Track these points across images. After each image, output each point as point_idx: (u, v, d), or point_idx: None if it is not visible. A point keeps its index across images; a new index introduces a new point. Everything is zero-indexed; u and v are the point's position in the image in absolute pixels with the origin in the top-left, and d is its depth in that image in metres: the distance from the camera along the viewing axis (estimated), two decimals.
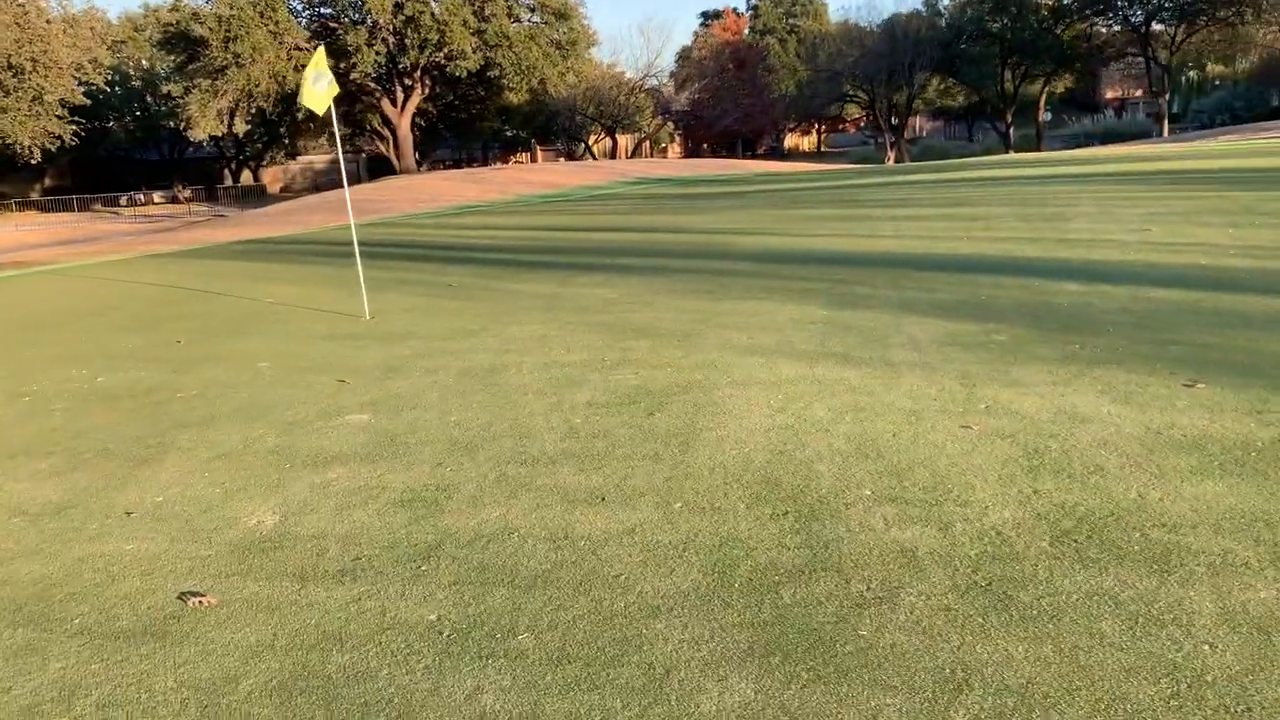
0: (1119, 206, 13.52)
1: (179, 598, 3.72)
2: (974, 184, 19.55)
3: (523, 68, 42.22)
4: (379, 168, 65.16)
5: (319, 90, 8.84)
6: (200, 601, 3.64)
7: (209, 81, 41.60)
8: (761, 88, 70.55)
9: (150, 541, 4.26)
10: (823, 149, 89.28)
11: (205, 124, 44.37)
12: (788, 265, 10.83)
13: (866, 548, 3.76)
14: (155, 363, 8.00)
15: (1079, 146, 56.58)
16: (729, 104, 72.39)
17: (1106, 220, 12.23)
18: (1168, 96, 53.14)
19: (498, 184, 33.59)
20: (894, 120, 61.31)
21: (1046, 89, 63.38)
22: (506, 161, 76.52)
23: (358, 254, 9.81)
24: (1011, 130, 60.78)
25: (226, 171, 69.78)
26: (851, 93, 62.65)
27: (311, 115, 49.80)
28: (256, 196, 61.61)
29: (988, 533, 3.83)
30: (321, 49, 9.36)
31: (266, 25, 40.00)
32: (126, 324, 10.17)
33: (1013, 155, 37.84)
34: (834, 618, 3.28)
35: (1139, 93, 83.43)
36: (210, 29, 38.79)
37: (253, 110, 49.38)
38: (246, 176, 69.83)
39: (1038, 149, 58.64)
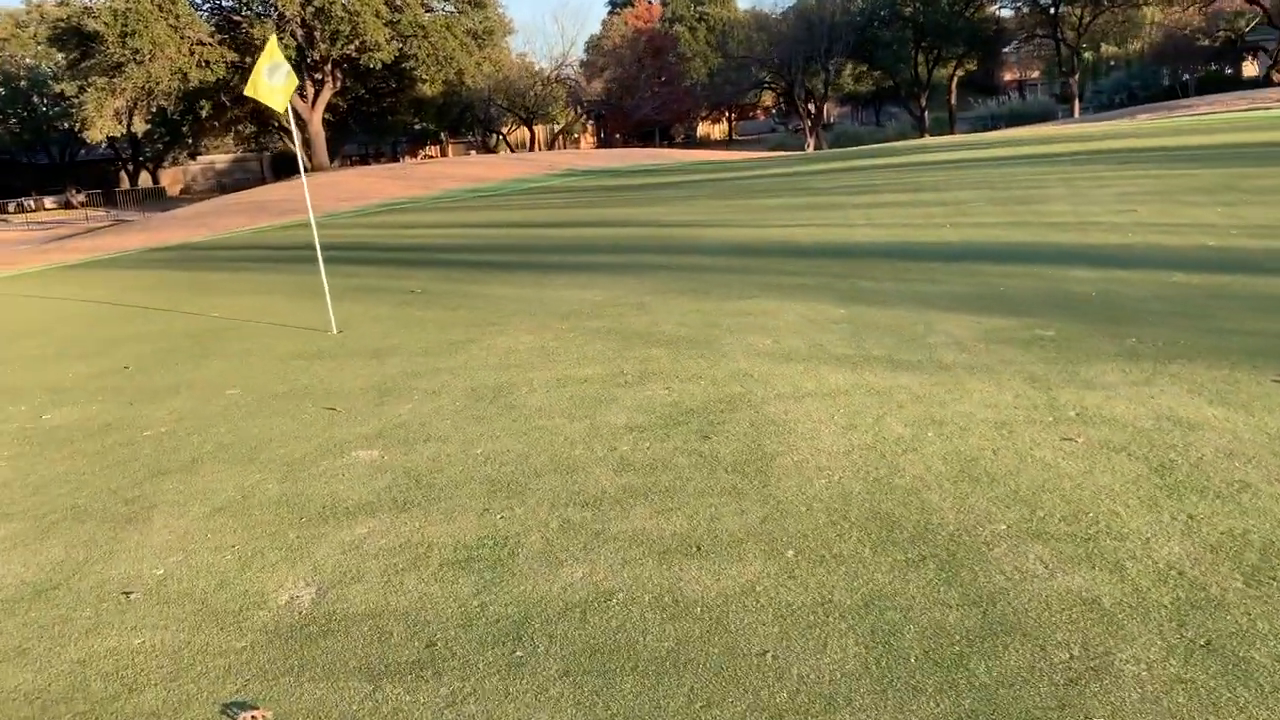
0: (1090, 187, 13.34)
1: (224, 713, 3.00)
2: (926, 168, 19.35)
3: (439, 59, 40.97)
4: (285, 166, 62.93)
5: (276, 84, 7.98)
6: (254, 718, 2.93)
7: (105, 79, 39.44)
8: (676, 76, 70.20)
9: (165, 631, 3.51)
10: (734, 137, 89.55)
11: (102, 124, 42.16)
12: (772, 259, 10.31)
13: (1041, 601, 3.23)
14: (107, 394, 7.10)
15: (988, 129, 57.45)
16: (646, 93, 71.82)
17: (1084, 202, 12.00)
18: (1077, 77, 54.22)
19: (421, 179, 32.45)
20: (810, 107, 61.45)
21: (958, 72, 64.30)
22: (415, 156, 74.73)
23: (321, 260, 8.97)
24: (926, 114, 61.47)
25: (123, 174, 66.64)
26: (769, 80, 62.62)
27: (215, 114, 47.83)
28: (156, 199, 58.89)
29: (1168, 574, 3.33)
30: (273, 38, 8.48)
31: (166, 19, 38.02)
32: (63, 349, 9.15)
33: (939, 139, 38.09)
34: (1053, 701, 2.73)
35: (1035, 75, 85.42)
36: (105, 24, 36.69)
37: (153, 109, 47.17)
38: (145, 178, 66.78)
39: (951, 132, 59.51)
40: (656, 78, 71.19)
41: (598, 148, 70.90)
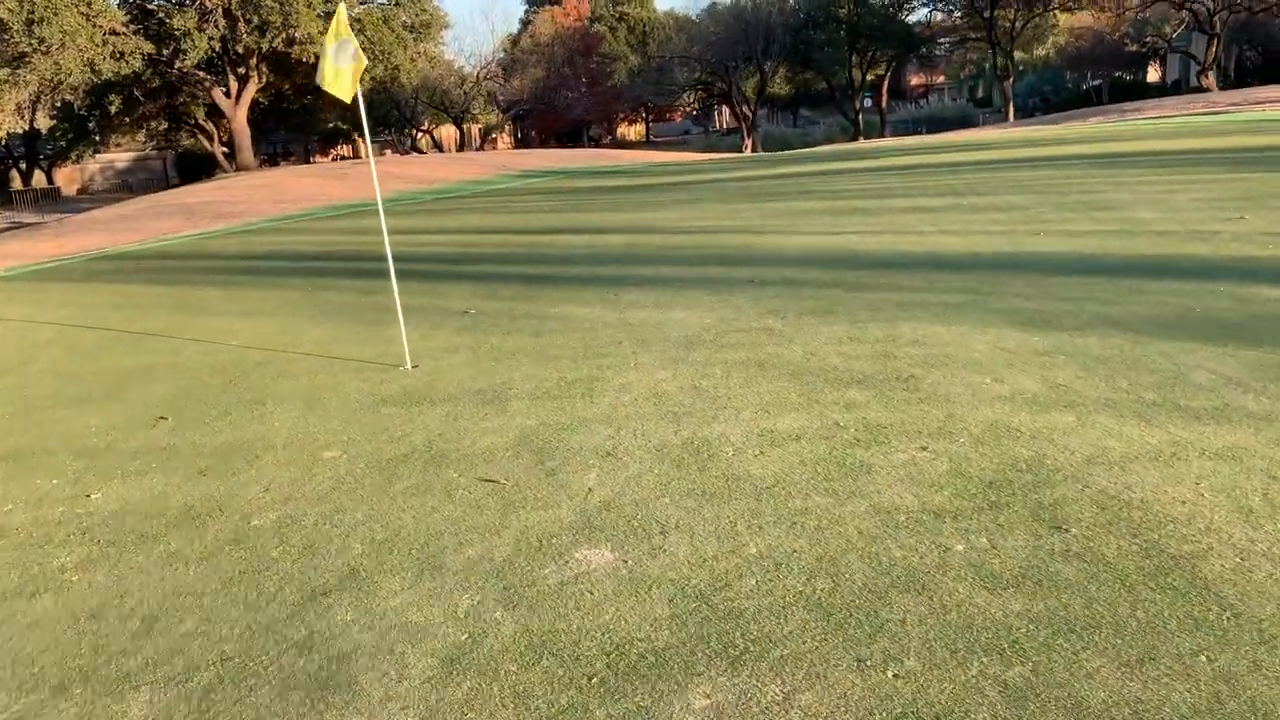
0: (1156, 192, 12.53)
1: None
2: (932, 171, 18.47)
3: (375, 53, 38.80)
4: (192, 165, 59.54)
5: (342, 66, 6.51)
6: None
7: (8, 70, 36.30)
8: (601, 76, 69.06)
9: None
10: (651, 138, 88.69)
11: (3, 119, 38.90)
12: (873, 272, 9.15)
13: None
14: (159, 458, 5.54)
15: (911, 133, 57.59)
16: (574, 92, 70.41)
17: (1169, 209, 11.14)
18: (1011, 81, 54.68)
19: (366, 180, 30.47)
20: (745, 109, 60.82)
21: (889, 74, 64.53)
22: (327, 156, 71.78)
23: (393, 273, 7.44)
24: (860, 117, 61.40)
25: (14, 172, 62.20)
26: (708, 80, 61.80)
27: (126, 109, 44.70)
28: (52, 200, 54.98)
29: None
30: (342, 6, 6.95)
31: (77, 6, 35.13)
32: (57, 389, 7.46)
33: (897, 142, 37.60)
34: None
35: (940, 79, 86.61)
36: (9, 10, 33.67)
37: (58, 103, 43.94)
38: (39, 178, 62.48)
39: (882, 135, 59.56)
40: (585, 77, 69.85)
41: (515, 148, 68.89)
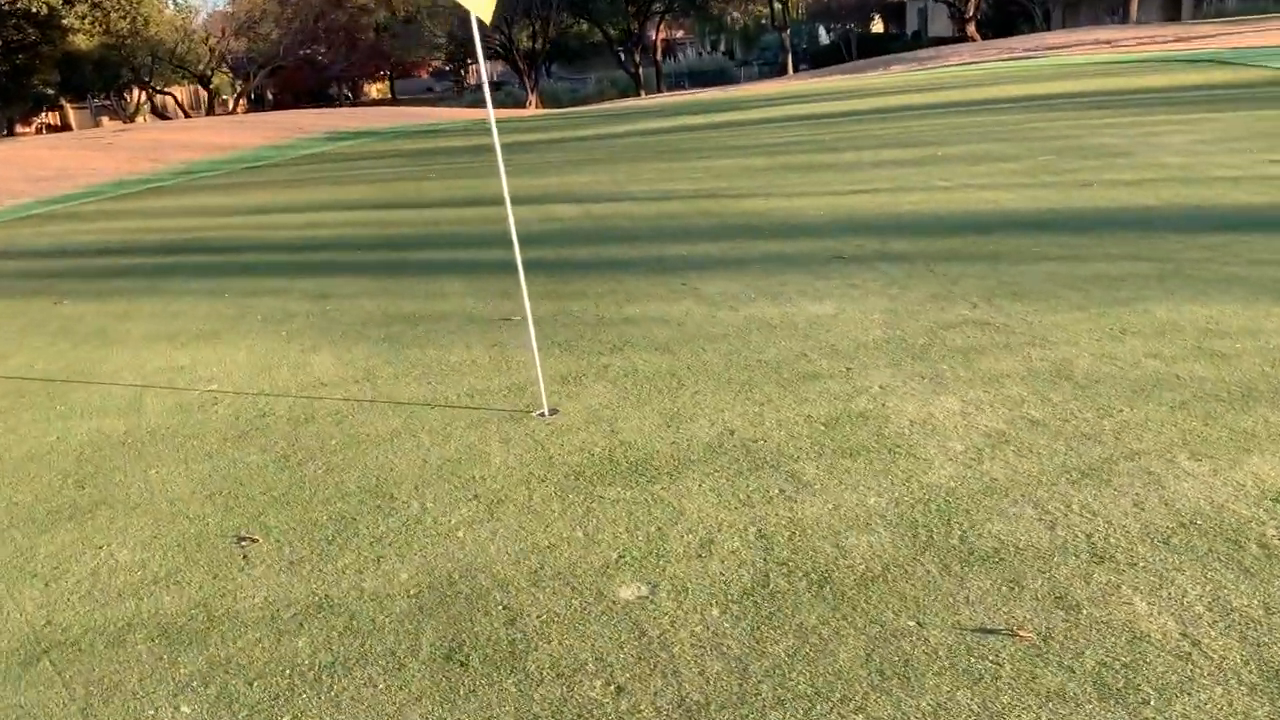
0: (1144, 134, 11.84)
1: None
2: (851, 119, 17.35)
3: (123, 4, 33.36)
4: None
5: None
6: None
7: None
8: (359, 29, 64.31)
9: None
10: (395, 96, 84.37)
11: None
12: (961, 237, 7.67)
13: None
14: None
15: (677, 88, 57.01)
16: (326, 46, 65.13)
17: (1189, 153, 10.36)
18: (789, 33, 55.23)
19: (140, 150, 25.92)
20: (524, 64, 58.29)
21: (659, 27, 63.82)
22: (29, 124, 62.45)
23: (520, 264, 5.08)
24: (640, 71, 60.36)
25: None
26: (486, 35, 58.59)
27: None
28: None
29: None
30: None
31: None
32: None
33: (751, 91, 36.46)
34: None
35: (680, 34, 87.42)
36: None
37: None
38: None
39: (659, 89, 58.85)
40: (341, 31, 64.68)
41: (249, 111, 62.46)
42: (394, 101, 74.07)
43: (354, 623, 3.19)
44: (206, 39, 55.32)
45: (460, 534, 3.73)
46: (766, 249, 8.08)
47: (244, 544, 3.80)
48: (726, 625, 2.99)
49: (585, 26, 62.51)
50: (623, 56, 61.48)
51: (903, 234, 8.10)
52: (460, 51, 69.44)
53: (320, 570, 3.55)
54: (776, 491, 3.83)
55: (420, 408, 5.13)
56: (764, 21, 77.12)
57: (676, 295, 6.90)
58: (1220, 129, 11.83)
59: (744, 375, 5.16)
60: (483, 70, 4.89)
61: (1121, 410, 4.27)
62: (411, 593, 3.35)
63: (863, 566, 3.24)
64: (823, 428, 4.39)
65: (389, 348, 6.31)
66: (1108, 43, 31.55)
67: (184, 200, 16.33)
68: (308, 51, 65.65)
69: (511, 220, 4.93)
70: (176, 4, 40.10)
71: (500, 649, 2.98)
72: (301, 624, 3.21)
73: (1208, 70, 19.15)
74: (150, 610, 3.38)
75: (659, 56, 63.28)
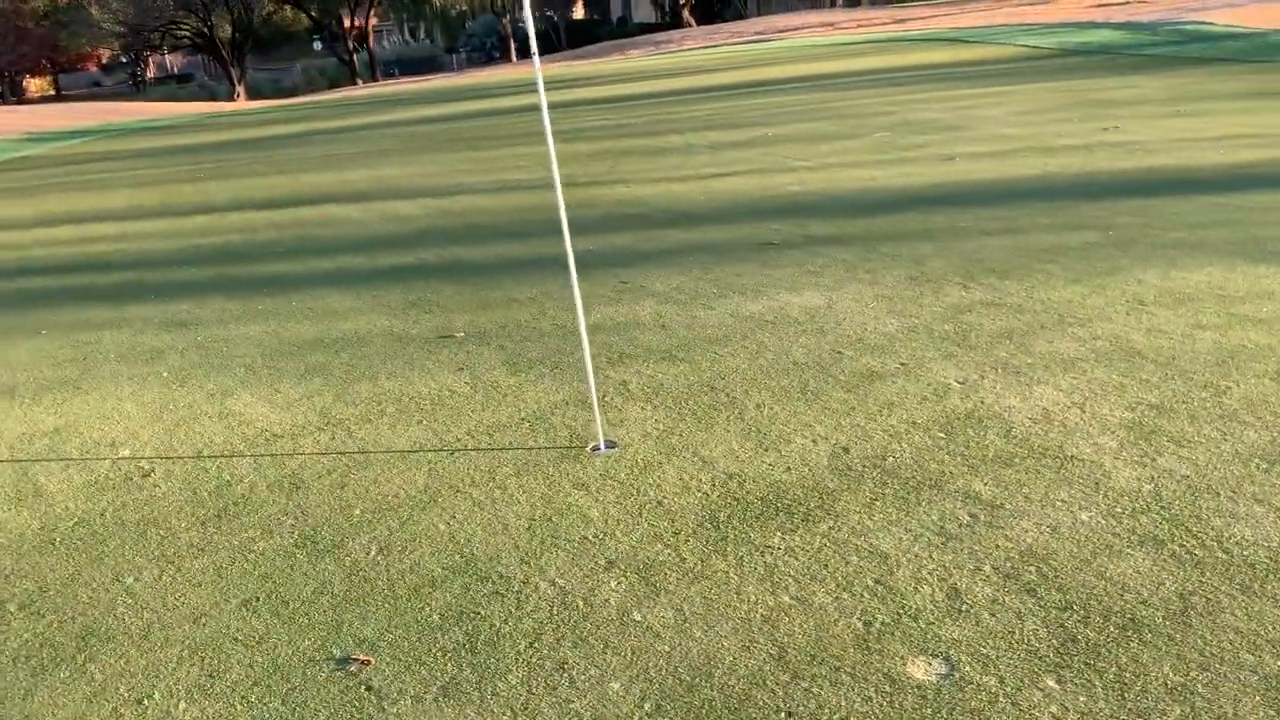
0: (959, 109, 12.31)
1: None
2: (656, 102, 16.99)
3: None
4: None
5: None
6: None
7: None
8: (19, 19, 57.08)
9: None
10: (61, 91, 76.36)
11: None
12: (920, 213, 7.53)
13: None
14: None
15: (389, 77, 54.72)
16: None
17: (1007, 125, 10.85)
18: (509, 19, 54.46)
19: None
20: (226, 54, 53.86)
21: (371, 15, 61.22)
22: None
23: (575, 283, 4.25)
24: (355, 59, 57.53)
25: None
26: (182, 20, 53.44)
27: None
28: None
29: None
30: None
31: None
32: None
33: (458, 81, 35.25)
34: None
35: (375, 21, 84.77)
36: None
37: None
38: None
39: (375, 78, 56.43)
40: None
41: None
42: (62, 98, 66.39)
43: None
44: None
45: (639, 619, 2.94)
46: (681, 239, 7.55)
47: (355, 667, 2.82)
48: (1072, 697, 2.46)
49: (290, 13, 58.62)
50: (319, 45, 58.34)
51: (810, 216, 7.83)
52: (138, 41, 63.06)
53: (483, 694, 2.67)
54: (967, 517, 3.34)
55: (433, 455, 4.18)
56: (464, 9, 75.57)
57: (629, 295, 6.23)
58: (1025, 102, 12.54)
59: (793, 381, 4.61)
60: (532, 43, 3.98)
61: (1232, 386, 4.11)
62: (646, 710, 2.56)
63: (1157, 599, 2.81)
64: (943, 436, 3.94)
65: (324, 382, 5.20)
66: (830, 25, 33.32)
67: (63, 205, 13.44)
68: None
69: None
70: None
71: None
72: None
73: (956, 48, 20.52)
74: None
75: (371, 44, 60.54)
